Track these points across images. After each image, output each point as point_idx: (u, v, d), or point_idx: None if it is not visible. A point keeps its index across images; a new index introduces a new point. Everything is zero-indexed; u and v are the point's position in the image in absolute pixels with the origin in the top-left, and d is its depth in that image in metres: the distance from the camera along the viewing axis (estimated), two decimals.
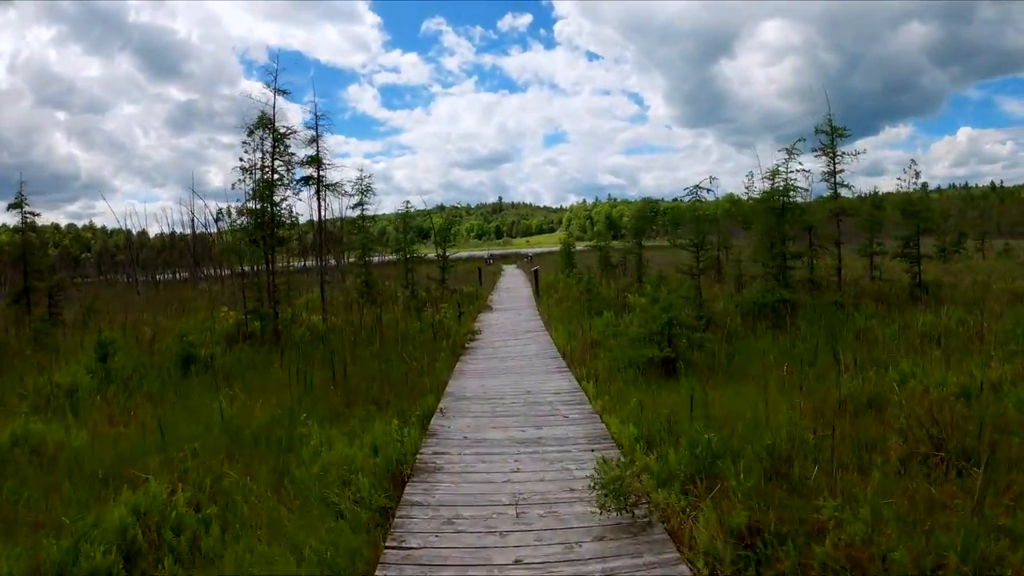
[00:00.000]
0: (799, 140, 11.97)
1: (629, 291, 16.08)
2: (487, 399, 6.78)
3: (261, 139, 12.27)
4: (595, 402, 6.42)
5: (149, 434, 7.21)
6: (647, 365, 7.83)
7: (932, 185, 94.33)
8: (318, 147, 12.82)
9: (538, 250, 68.26)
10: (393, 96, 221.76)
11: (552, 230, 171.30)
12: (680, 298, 10.61)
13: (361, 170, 21.86)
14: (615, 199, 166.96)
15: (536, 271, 18.14)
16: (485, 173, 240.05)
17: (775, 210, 10.97)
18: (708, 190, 11.18)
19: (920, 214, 14.36)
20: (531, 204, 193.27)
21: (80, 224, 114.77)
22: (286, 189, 12.50)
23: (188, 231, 38.63)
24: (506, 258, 59.97)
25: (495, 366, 8.65)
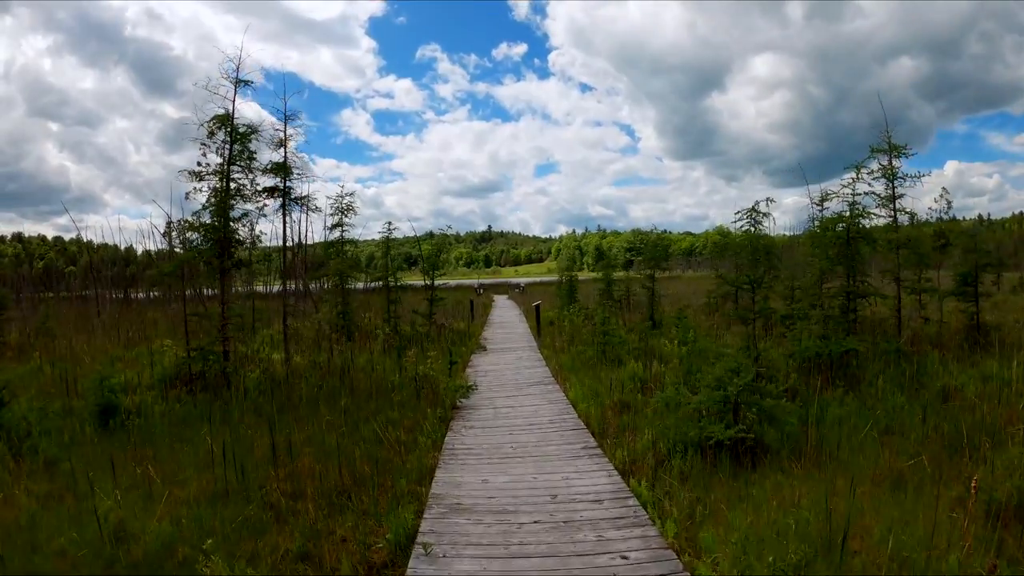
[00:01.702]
0: (868, 156, 10.00)
1: (641, 329, 13.98)
2: (494, 512, 4.46)
3: (223, 143, 10.15)
4: (661, 523, 4.20)
5: (13, 534, 5.08)
6: (712, 448, 5.68)
7: (921, 218, 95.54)
8: (286, 152, 10.69)
9: (528, 280, 65.27)
10: (386, 121, 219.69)
11: (541, 260, 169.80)
12: (725, 348, 8.52)
13: (342, 186, 19.74)
14: (604, 230, 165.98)
15: (538, 306, 15.94)
16: (475, 202, 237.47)
17: (840, 240, 8.95)
18: (766, 214, 9.18)
19: (980, 248, 12.54)
20: (520, 234, 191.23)
21: (67, 237, 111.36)
22: (246, 202, 10.33)
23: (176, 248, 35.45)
24: (496, 287, 57.64)
25: (500, 442, 6.35)
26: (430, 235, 16.69)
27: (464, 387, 8.21)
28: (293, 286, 24.60)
